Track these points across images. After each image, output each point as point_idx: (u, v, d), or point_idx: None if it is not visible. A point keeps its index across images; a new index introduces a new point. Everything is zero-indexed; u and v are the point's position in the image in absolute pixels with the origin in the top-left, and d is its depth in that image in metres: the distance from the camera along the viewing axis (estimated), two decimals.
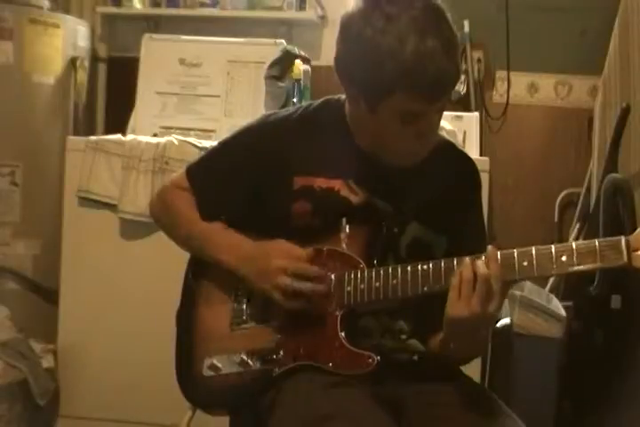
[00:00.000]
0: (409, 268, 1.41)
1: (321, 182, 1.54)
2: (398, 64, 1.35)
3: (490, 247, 1.34)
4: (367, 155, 1.54)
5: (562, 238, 3.24)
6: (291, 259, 1.48)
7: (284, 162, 1.56)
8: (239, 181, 1.61)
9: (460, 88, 3.18)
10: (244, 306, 1.58)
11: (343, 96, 1.59)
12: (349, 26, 1.43)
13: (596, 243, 1.26)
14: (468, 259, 1.34)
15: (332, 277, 1.49)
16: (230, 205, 1.63)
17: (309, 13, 3.33)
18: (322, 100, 1.64)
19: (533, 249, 1.31)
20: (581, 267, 1.27)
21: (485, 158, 2.79)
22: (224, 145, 1.68)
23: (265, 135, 1.60)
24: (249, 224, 1.60)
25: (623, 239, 1.25)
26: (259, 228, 1.58)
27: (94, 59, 3.44)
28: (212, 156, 1.69)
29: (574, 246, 1.28)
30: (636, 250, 1.23)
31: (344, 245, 1.51)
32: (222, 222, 1.62)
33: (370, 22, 1.38)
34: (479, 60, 3.31)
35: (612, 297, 2.49)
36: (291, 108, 1.66)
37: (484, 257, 1.33)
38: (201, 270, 1.64)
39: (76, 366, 2.83)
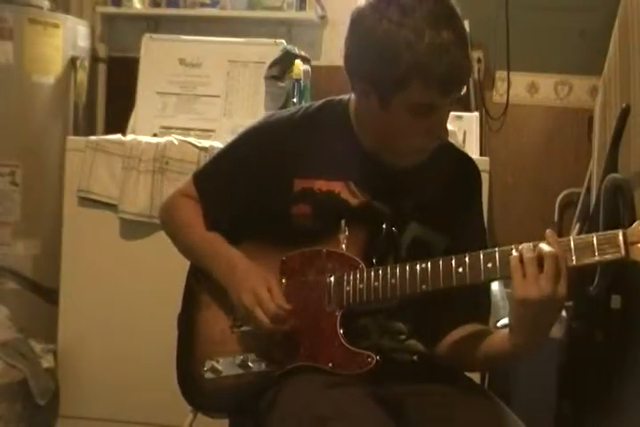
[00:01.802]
0: (407, 267, 1.41)
1: (321, 185, 1.54)
2: (415, 56, 1.36)
3: (548, 230, 1.30)
4: (369, 155, 1.54)
5: None
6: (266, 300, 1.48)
7: (285, 163, 1.56)
8: (244, 185, 1.61)
9: None
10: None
11: (346, 97, 1.59)
12: (362, 20, 1.43)
13: (594, 237, 1.26)
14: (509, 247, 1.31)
15: (332, 277, 1.49)
16: (236, 210, 1.63)
17: (309, 13, 3.32)
18: (324, 100, 1.63)
19: (531, 245, 1.31)
20: (580, 261, 1.27)
21: (485, 158, 2.79)
22: (228, 149, 1.68)
23: (266, 137, 1.60)
24: (251, 227, 1.60)
25: (620, 233, 1.24)
26: (260, 230, 1.59)
27: (94, 59, 3.44)
28: (216, 161, 1.70)
29: (572, 241, 1.28)
30: (634, 243, 1.23)
31: (343, 246, 1.51)
32: (225, 233, 1.62)
33: (385, 15, 1.38)
34: (479, 60, 3.31)
35: (612, 297, 2.48)
36: (292, 109, 1.66)
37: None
38: (202, 273, 1.64)
39: (75, 366, 2.83)
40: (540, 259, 1.28)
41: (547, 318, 1.34)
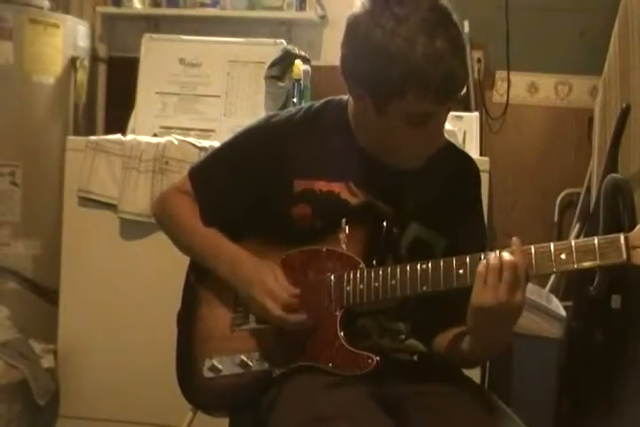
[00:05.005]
0: (408, 268, 1.41)
1: (321, 185, 1.54)
2: (408, 66, 1.35)
3: (514, 239, 1.32)
4: (369, 156, 1.54)
5: (562, 238, 3.24)
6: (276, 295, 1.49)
7: (285, 164, 1.56)
8: (241, 184, 1.61)
9: None
10: (245, 307, 1.58)
11: (345, 97, 1.59)
12: (357, 26, 1.42)
13: (595, 241, 1.26)
14: (490, 252, 1.33)
15: (332, 277, 1.49)
16: (232, 208, 1.63)
17: (309, 13, 3.33)
18: (324, 100, 1.63)
19: (532, 248, 1.31)
20: (581, 265, 1.27)
21: (485, 158, 2.79)
22: (226, 147, 1.68)
23: (266, 137, 1.60)
24: (250, 226, 1.60)
25: (622, 237, 1.24)
26: (260, 230, 1.59)
27: (94, 59, 3.44)
28: (214, 158, 1.69)
29: (573, 244, 1.28)
30: (635, 247, 1.23)
31: (344, 246, 1.51)
32: (222, 231, 1.62)
33: (379, 23, 1.37)
34: (479, 60, 3.31)
35: (612, 297, 2.48)
36: (293, 109, 1.66)
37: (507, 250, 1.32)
38: (202, 272, 1.64)
39: (75, 366, 2.83)
40: (501, 268, 1.29)
41: (501, 326, 1.36)
